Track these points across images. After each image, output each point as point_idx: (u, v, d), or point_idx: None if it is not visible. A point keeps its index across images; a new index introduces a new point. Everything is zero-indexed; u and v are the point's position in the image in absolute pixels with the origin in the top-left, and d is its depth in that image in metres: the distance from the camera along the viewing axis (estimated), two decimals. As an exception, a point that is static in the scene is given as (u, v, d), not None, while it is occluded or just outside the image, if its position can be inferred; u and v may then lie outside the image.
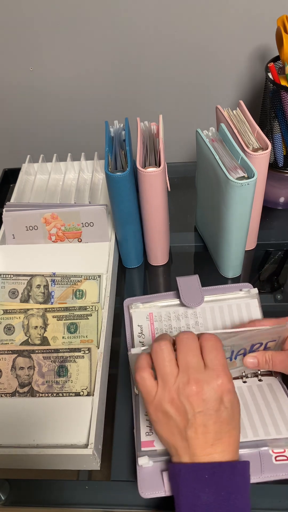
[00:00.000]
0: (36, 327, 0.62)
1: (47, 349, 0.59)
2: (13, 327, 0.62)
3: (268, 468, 0.50)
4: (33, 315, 0.63)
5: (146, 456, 0.51)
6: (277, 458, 0.51)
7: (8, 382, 0.58)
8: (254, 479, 0.49)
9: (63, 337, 0.62)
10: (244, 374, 0.55)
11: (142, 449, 0.51)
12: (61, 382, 0.58)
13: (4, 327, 0.62)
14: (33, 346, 0.61)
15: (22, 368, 0.58)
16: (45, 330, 0.62)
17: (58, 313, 0.63)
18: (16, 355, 0.59)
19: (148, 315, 0.64)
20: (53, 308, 0.63)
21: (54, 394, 0.57)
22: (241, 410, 0.53)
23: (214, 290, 0.66)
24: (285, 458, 0.51)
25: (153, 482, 0.50)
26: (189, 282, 0.65)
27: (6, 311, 0.63)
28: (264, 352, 0.52)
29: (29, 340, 0.62)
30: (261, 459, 0.51)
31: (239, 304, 0.64)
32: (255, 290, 0.64)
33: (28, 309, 0.63)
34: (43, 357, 0.59)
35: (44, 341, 0.61)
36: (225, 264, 0.70)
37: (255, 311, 0.63)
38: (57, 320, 0.62)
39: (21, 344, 0.62)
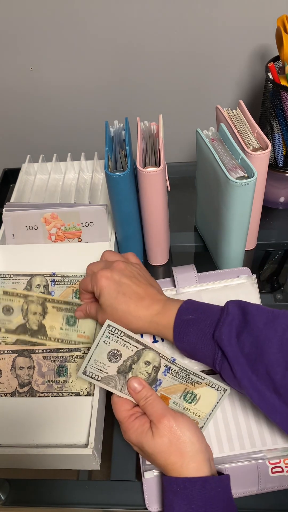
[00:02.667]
0: (35, 313, 0.63)
1: (47, 349, 0.59)
2: (12, 309, 0.62)
3: (264, 480, 0.51)
4: (33, 302, 0.63)
5: (151, 471, 0.51)
6: (273, 470, 0.52)
7: (8, 382, 0.58)
8: (251, 491, 0.51)
9: (60, 328, 0.62)
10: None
11: (147, 462, 0.51)
12: (61, 382, 0.58)
13: (3, 308, 0.63)
14: (33, 346, 0.61)
15: (22, 368, 0.58)
16: (43, 318, 0.62)
17: (59, 305, 0.63)
18: (16, 354, 0.59)
19: None
20: (53, 299, 0.64)
21: (54, 394, 0.57)
22: (240, 419, 0.54)
23: (209, 276, 0.65)
24: (280, 469, 0.51)
25: (159, 496, 0.51)
26: (184, 269, 0.65)
27: (6, 293, 0.63)
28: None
29: (27, 324, 0.62)
30: (259, 471, 0.51)
31: (237, 292, 0.62)
32: (254, 278, 0.63)
33: (28, 295, 0.63)
34: (43, 357, 0.59)
35: (41, 327, 0.62)
36: (225, 264, 0.70)
37: (254, 298, 0.61)
38: (57, 310, 0.63)
39: (18, 328, 0.62)
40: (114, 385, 0.50)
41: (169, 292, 0.63)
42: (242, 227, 0.63)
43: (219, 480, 0.45)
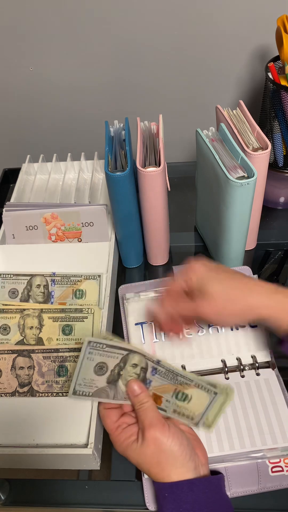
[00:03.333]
0: (32, 327, 0.62)
1: (47, 349, 0.59)
2: (9, 327, 0.62)
3: (264, 480, 0.51)
4: (29, 316, 0.62)
5: None
6: (273, 470, 0.52)
7: (8, 382, 0.58)
8: (251, 490, 0.51)
9: (57, 339, 0.61)
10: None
11: None
12: (61, 382, 0.58)
13: (0, 327, 0.62)
14: (33, 346, 0.61)
15: (22, 368, 0.58)
16: (40, 331, 0.62)
17: (54, 314, 0.63)
18: (16, 355, 0.59)
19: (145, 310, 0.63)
20: (50, 309, 0.63)
21: (54, 394, 0.57)
22: (240, 417, 0.54)
23: None
24: (280, 469, 0.51)
25: None
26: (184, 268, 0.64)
27: (2, 311, 0.63)
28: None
29: (24, 340, 0.61)
30: (258, 471, 0.51)
31: None
32: (255, 278, 0.62)
33: (24, 309, 0.63)
34: (43, 357, 0.59)
35: (39, 341, 0.61)
36: (225, 264, 0.70)
37: None
38: (53, 321, 0.62)
39: (16, 344, 0.62)
40: (106, 395, 0.50)
41: None
42: (242, 227, 0.63)
43: (207, 481, 0.46)
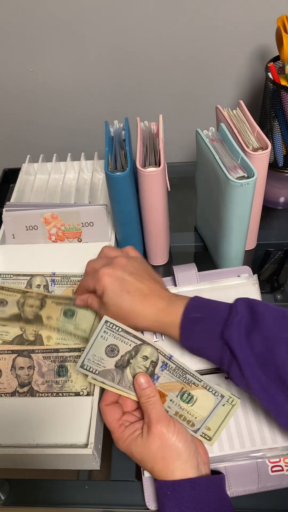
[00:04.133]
0: (32, 306, 0.62)
1: (47, 349, 0.59)
2: (6, 301, 0.62)
3: (264, 479, 0.51)
4: (32, 297, 0.63)
5: None
6: (273, 469, 0.52)
7: (8, 382, 0.58)
8: (251, 490, 0.51)
9: (57, 319, 0.61)
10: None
11: None
12: (61, 382, 0.58)
13: None
14: (33, 346, 0.61)
15: (22, 368, 0.58)
16: (40, 310, 0.62)
17: (58, 300, 0.63)
18: (16, 355, 0.59)
19: None
20: (54, 296, 0.64)
21: (54, 394, 0.57)
22: (240, 417, 0.54)
23: (210, 275, 0.65)
24: (280, 468, 0.51)
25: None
26: (184, 268, 0.64)
27: (2, 288, 0.63)
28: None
29: (22, 314, 0.61)
30: (258, 470, 0.51)
31: (238, 292, 0.62)
32: (255, 278, 0.62)
33: (27, 292, 0.63)
34: (43, 357, 0.59)
35: (38, 318, 0.61)
36: (225, 264, 0.70)
37: (255, 299, 0.61)
38: (56, 304, 0.63)
39: (11, 317, 0.62)
40: (112, 378, 0.50)
41: (169, 290, 0.63)
42: (242, 227, 0.63)
43: (208, 480, 0.46)
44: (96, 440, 0.53)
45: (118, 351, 0.50)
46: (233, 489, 0.51)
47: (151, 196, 0.63)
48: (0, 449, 0.52)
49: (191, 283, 0.63)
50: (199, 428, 0.51)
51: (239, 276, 0.64)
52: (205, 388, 0.50)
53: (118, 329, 0.50)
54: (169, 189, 0.65)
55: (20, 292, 0.63)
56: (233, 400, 0.50)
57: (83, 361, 0.50)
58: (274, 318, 0.46)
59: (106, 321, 0.50)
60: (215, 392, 0.50)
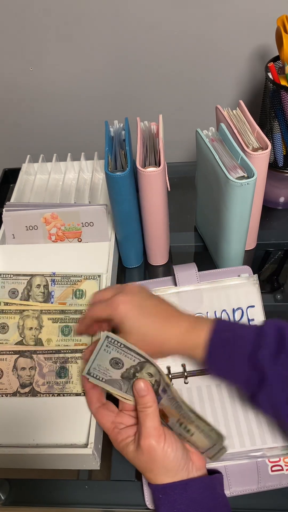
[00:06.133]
0: (31, 328, 0.62)
1: (49, 350, 0.59)
2: (8, 326, 0.62)
3: (264, 479, 0.51)
4: (29, 317, 0.63)
5: None
6: (273, 469, 0.52)
7: (9, 383, 0.58)
8: (251, 489, 0.51)
9: (57, 340, 0.61)
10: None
11: None
12: (61, 383, 0.58)
13: None
14: (34, 346, 0.61)
15: (23, 368, 0.58)
16: (39, 332, 0.62)
17: (54, 316, 0.63)
18: (17, 355, 0.59)
19: None
20: (49, 310, 0.63)
21: (55, 395, 0.57)
22: (240, 416, 0.54)
23: (210, 274, 0.65)
24: (280, 468, 0.51)
25: None
26: (185, 268, 0.64)
27: (1, 311, 0.63)
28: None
29: (24, 341, 0.61)
30: (258, 469, 0.51)
31: (238, 292, 0.63)
32: (255, 278, 0.63)
33: (23, 310, 0.63)
34: (44, 358, 0.59)
35: (39, 342, 0.61)
36: (225, 264, 0.70)
37: (255, 299, 0.62)
38: (52, 322, 0.62)
39: (20, 345, 0.62)
40: (119, 387, 0.49)
41: (169, 290, 0.63)
42: (242, 227, 0.63)
43: (201, 481, 0.46)
44: (96, 440, 0.53)
45: (123, 364, 0.49)
46: (233, 488, 0.51)
47: (151, 196, 0.63)
48: (0, 449, 0.52)
49: (191, 283, 0.63)
50: (204, 452, 0.49)
51: (239, 276, 0.64)
52: (198, 429, 0.48)
53: (120, 345, 0.48)
54: (169, 189, 0.65)
55: (17, 313, 0.63)
56: (223, 441, 0.48)
57: (89, 368, 0.49)
58: None
59: (107, 337, 0.48)
60: (208, 436, 0.48)
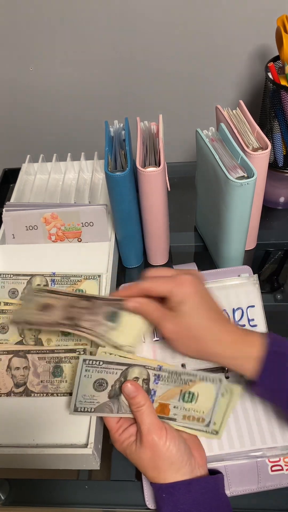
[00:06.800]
0: (31, 328, 0.62)
1: (43, 350, 0.59)
2: (8, 326, 0.62)
3: (264, 478, 0.51)
4: None
5: None
6: (273, 468, 0.52)
7: (4, 383, 0.58)
8: (251, 489, 0.51)
9: (57, 340, 0.61)
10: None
11: None
12: (56, 383, 0.57)
13: None
14: (29, 346, 0.60)
15: (17, 368, 0.58)
16: (39, 332, 0.62)
17: None
18: (12, 355, 0.59)
19: None
20: None
21: (49, 394, 0.57)
22: (240, 416, 0.54)
23: (210, 274, 0.65)
24: (280, 467, 0.51)
25: None
26: (185, 267, 0.64)
27: (2, 311, 0.63)
28: (149, 301, 0.48)
29: (24, 341, 0.61)
30: (258, 469, 0.51)
31: (238, 291, 0.62)
32: (255, 277, 0.62)
33: None
34: (38, 357, 0.59)
35: (38, 343, 0.61)
36: (225, 264, 0.70)
37: (255, 299, 0.62)
38: None
39: (15, 345, 0.62)
40: (110, 410, 0.49)
41: None
42: (242, 227, 0.63)
43: (204, 482, 0.46)
44: (96, 440, 0.53)
45: (107, 383, 0.49)
46: (233, 488, 0.51)
47: (151, 196, 0.63)
48: (0, 449, 0.52)
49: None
50: (209, 422, 0.49)
51: (239, 275, 0.64)
52: (203, 380, 0.49)
53: (99, 363, 0.48)
54: (169, 189, 0.65)
55: None
56: (232, 388, 0.48)
57: (75, 404, 0.49)
58: None
59: (84, 360, 0.48)
60: (213, 380, 0.48)
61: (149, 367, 0.49)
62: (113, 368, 0.49)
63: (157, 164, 0.62)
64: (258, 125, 0.64)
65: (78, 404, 0.49)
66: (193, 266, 0.64)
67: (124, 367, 0.49)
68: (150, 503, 0.50)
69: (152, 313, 0.49)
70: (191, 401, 0.49)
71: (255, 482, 0.51)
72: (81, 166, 0.82)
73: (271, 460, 0.52)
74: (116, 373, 0.49)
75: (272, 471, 0.51)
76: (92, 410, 0.50)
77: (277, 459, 0.52)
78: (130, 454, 0.48)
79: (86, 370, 0.48)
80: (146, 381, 0.49)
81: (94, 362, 0.48)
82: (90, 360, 0.48)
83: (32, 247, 0.73)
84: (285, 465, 0.51)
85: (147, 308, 0.49)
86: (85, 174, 0.83)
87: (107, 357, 0.49)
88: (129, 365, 0.49)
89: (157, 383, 0.49)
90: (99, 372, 0.48)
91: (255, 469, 0.51)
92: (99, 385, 0.49)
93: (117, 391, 0.49)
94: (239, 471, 0.51)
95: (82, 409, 0.50)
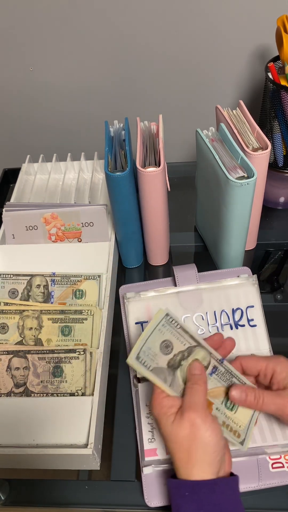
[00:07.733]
0: (31, 328, 0.62)
1: (42, 350, 0.59)
2: (7, 326, 0.62)
3: (265, 476, 0.51)
4: (29, 317, 0.62)
5: (150, 466, 0.51)
6: (274, 466, 0.52)
7: (4, 383, 0.58)
8: (251, 487, 0.51)
9: (57, 340, 0.61)
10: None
11: (146, 458, 0.51)
12: (56, 383, 0.57)
13: None
14: (28, 346, 0.61)
15: (17, 368, 0.58)
16: (39, 332, 0.62)
17: (54, 316, 0.63)
18: (12, 355, 0.59)
19: (145, 309, 0.63)
20: (49, 310, 0.63)
21: (49, 395, 0.57)
22: None
23: (210, 275, 0.65)
24: (281, 465, 0.51)
25: (158, 492, 0.51)
26: (184, 268, 0.64)
27: (2, 311, 0.63)
28: (254, 389, 0.49)
29: (24, 341, 0.61)
30: (259, 467, 0.51)
31: (237, 292, 0.63)
32: (254, 278, 0.62)
33: (23, 310, 0.63)
34: (38, 357, 0.59)
35: (38, 343, 0.61)
36: (225, 264, 0.70)
37: (254, 299, 0.62)
38: (52, 322, 0.62)
39: (15, 345, 0.62)
40: (164, 379, 0.46)
41: (169, 291, 0.63)
42: (242, 227, 0.63)
43: (227, 483, 0.44)
44: (96, 440, 0.53)
45: (172, 349, 0.46)
46: (233, 488, 0.50)
47: (151, 196, 0.63)
48: (0, 449, 0.52)
49: (191, 283, 0.63)
50: (244, 439, 0.48)
51: (238, 276, 0.64)
52: None
53: (177, 325, 0.47)
54: (169, 189, 0.65)
55: (17, 313, 0.63)
56: None
57: (139, 352, 0.45)
58: None
59: (167, 315, 0.46)
60: None
61: (213, 356, 0.48)
62: (185, 338, 0.48)
63: (157, 164, 0.62)
64: (258, 125, 0.64)
65: (142, 354, 0.45)
66: (192, 267, 0.64)
67: (194, 343, 0.48)
68: (150, 501, 0.50)
69: (260, 402, 0.48)
70: (231, 409, 0.48)
71: (255, 480, 0.51)
72: (81, 166, 0.82)
73: (271, 457, 0.52)
74: (185, 344, 0.48)
75: (273, 468, 0.51)
76: (150, 368, 0.46)
77: (278, 456, 0.52)
78: (165, 425, 0.44)
79: (162, 325, 0.47)
80: (205, 368, 0.48)
81: (173, 322, 0.47)
82: (171, 318, 0.47)
83: (32, 247, 0.73)
84: (286, 462, 0.51)
85: (258, 400, 0.48)
86: (85, 174, 0.83)
87: (185, 327, 0.48)
88: (199, 344, 0.48)
89: (211, 375, 0.48)
90: (172, 334, 0.47)
91: (255, 466, 0.51)
92: (166, 346, 0.47)
93: (176, 363, 0.47)
94: (240, 468, 0.51)
95: (143, 362, 0.46)
